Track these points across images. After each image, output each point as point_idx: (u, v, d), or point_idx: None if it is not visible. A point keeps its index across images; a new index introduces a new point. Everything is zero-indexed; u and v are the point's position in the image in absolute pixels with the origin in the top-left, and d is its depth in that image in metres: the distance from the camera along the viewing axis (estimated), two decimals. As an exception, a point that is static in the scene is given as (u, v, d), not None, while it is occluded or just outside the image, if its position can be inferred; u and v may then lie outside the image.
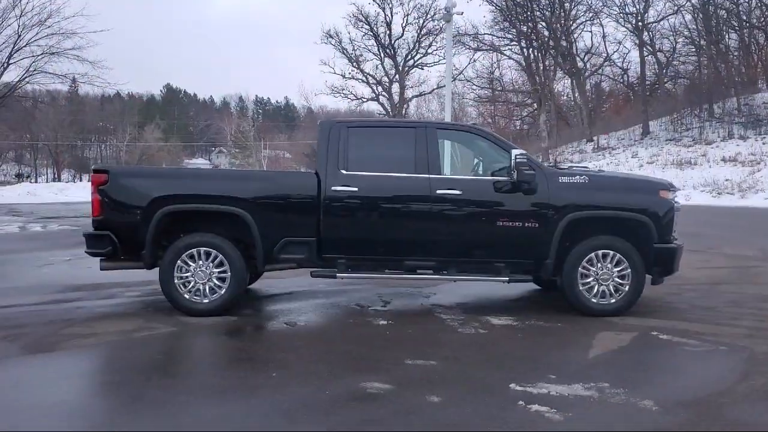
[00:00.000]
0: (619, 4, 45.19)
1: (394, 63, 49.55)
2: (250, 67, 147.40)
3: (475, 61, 53.64)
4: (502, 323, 6.61)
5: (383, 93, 50.54)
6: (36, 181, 65.56)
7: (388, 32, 48.69)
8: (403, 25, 48.20)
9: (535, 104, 48.63)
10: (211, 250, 6.78)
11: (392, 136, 7.39)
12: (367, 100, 50.53)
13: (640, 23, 42.41)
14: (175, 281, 6.76)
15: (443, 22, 21.98)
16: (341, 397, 4.47)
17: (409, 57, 49.18)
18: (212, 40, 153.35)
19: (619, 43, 57.99)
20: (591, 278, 6.90)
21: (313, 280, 8.29)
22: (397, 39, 48.78)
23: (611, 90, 55.88)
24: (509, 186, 6.85)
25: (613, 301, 6.91)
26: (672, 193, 7.15)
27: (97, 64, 35.86)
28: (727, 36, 46.99)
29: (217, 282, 6.79)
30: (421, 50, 48.80)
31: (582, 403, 4.40)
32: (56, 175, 72.58)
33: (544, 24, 43.60)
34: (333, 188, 6.84)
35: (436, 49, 48.35)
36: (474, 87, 52.42)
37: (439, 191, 6.84)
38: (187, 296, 6.78)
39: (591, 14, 43.43)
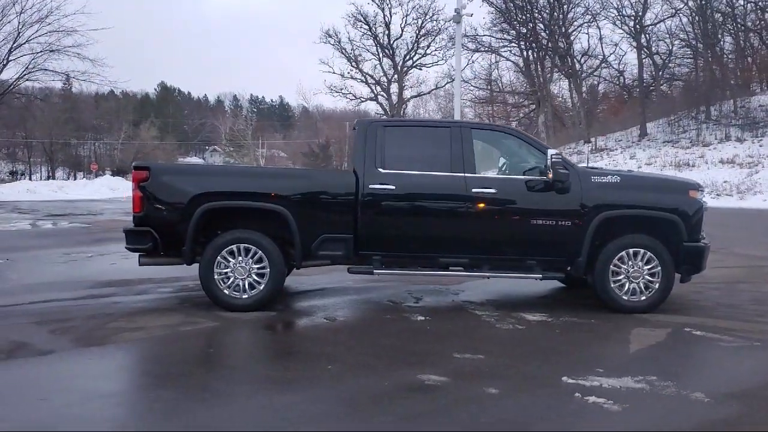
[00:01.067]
0: (616, 7, 45.60)
1: (393, 63, 49.76)
2: (245, 65, 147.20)
3: (473, 62, 53.88)
4: (536, 319, 6.75)
5: (382, 93, 50.75)
6: (30, 179, 65.29)
7: (386, 32, 48.93)
8: (402, 25, 48.51)
9: (531, 105, 48.89)
10: (250, 246, 6.89)
11: (428, 135, 7.52)
12: (366, 99, 50.82)
13: (638, 26, 42.67)
14: (215, 277, 6.87)
15: (453, 23, 21.97)
16: (401, 387, 4.60)
17: (408, 57, 49.38)
18: (206, 39, 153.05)
19: (616, 45, 58.36)
20: (622, 276, 7.04)
21: (340, 276, 8.45)
22: (396, 39, 49.04)
23: (607, 92, 56.16)
24: (544, 185, 6.99)
25: (644, 298, 7.06)
26: (700, 193, 7.31)
27: (98, 62, 35.84)
28: (722, 39, 47.38)
29: (256, 278, 6.91)
30: (420, 51, 48.99)
31: (635, 395, 4.54)
32: (50, 173, 72.31)
33: (542, 26, 43.85)
34: (371, 186, 6.97)
35: (435, 50, 48.70)
36: (471, 88, 52.60)
37: (474, 190, 6.98)
38: (226, 292, 6.89)
39: (589, 16, 43.72)
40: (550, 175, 6.83)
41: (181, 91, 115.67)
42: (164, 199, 6.93)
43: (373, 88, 50.53)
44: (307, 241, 6.97)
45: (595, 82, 53.09)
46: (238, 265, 6.88)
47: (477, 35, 46.87)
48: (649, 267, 7.04)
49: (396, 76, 50.11)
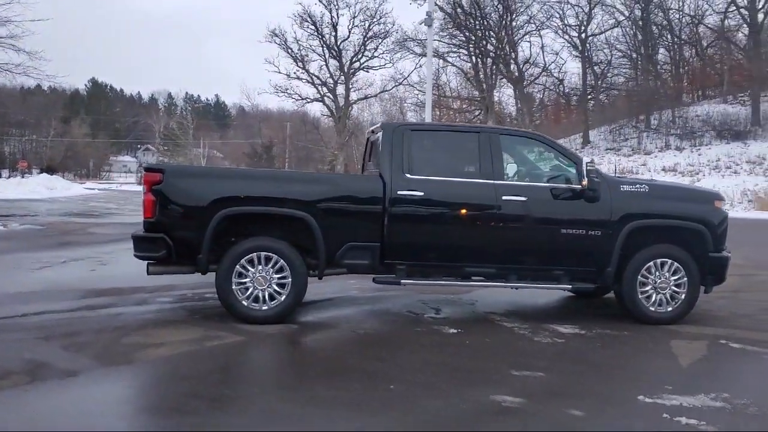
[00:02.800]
0: (559, 16, 46.47)
1: (340, 64, 49.25)
2: (181, 63, 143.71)
3: (420, 66, 53.92)
4: (570, 332, 6.56)
5: (328, 94, 50.17)
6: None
7: (334, 33, 48.37)
8: (350, 27, 47.99)
9: (477, 111, 49.28)
10: (271, 254, 6.49)
11: (455, 140, 7.27)
12: (312, 100, 50.09)
13: (582, 35, 43.60)
14: (233, 287, 6.44)
15: (425, 25, 21.74)
16: (482, 410, 4.32)
17: (355, 59, 48.98)
18: (141, 34, 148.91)
19: (556, 54, 59.48)
20: (649, 286, 6.94)
21: (341, 285, 8.12)
22: (343, 41, 48.52)
23: (545, 100, 57.10)
24: (574, 194, 6.83)
25: (670, 309, 6.98)
26: (723, 203, 7.29)
27: (35, 54, 34.12)
28: (658, 51, 48.92)
29: (276, 288, 6.51)
30: (367, 53, 48.65)
31: (721, 414, 4.38)
32: (-30, 171, 68.87)
33: (492, 33, 44.23)
34: (399, 192, 6.66)
35: (383, 53, 48.32)
36: (416, 92, 52.60)
37: (505, 197, 6.76)
38: (245, 303, 6.47)
39: (536, 24, 44.38)
40: (585, 183, 6.68)
41: (113, 87, 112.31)
42: (180, 203, 6.45)
43: (320, 89, 49.90)
44: (332, 250, 6.61)
45: (536, 90, 53.92)
46: (257, 274, 6.47)
47: (423, 40, 46.89)
48: (675, 278, 6.96)
49: (343, 77, 49.63)
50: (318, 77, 49.84)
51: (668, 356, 5.85)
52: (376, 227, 6.67)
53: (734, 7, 42.52)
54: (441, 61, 47.74)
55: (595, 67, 49.60)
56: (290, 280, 6.51)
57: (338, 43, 49.00)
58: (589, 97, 51.75)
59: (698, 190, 8.08)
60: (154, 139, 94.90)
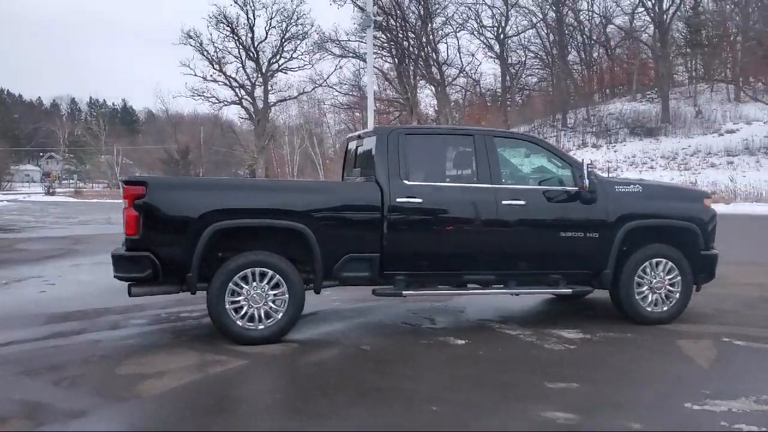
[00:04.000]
0: (475, 18, 47.12)
1: (258, 66, 48.37)
2: (84, 67, 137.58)
3: (341, 67, 53.69)
4: (575, 337, 6.44)
5: (246, 97, 49.17)
6: None
7: (250, 35, 47.49)
8: (267, 28, 47.27)
9: (395, 112, 49.39)
10: (267, 270, 6.08)
11: (450, 143, 7.06)
12: (230, 103, 48.99)
13: (501, 35, 44.38)
14: (227, 306, 6.00)
15: (361, 25, 21.43)
16: (542, 430, 4.10)
17: (273, 61, 48.21)
18: (42, 37, 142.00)
19: (472, 55, 60.39)
20: (645, 287, 6.92)
21: (321, 297, 7.76)
22: (261, 42, 47.72)
23: (465, 100, 57.84)
24: (572, 196, 6.73)
25: (665, 308, 6.97)
26: (711, 201, 7.36)
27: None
28: (570, 51, 50.39)
29: (272, 305, 6.10)
30: (285, 54, 48.00)
31: (774, 418, 4.32)
32: None
33: (412, 33, 44.34)
34: (398, 200, 6.37)
35: (301, 54, 47.77)
36: (336, 93, 52.27)
37: (504, 202, 6.58)
38: (239, 323, 6.04)
39: (455, 26, 44.86)
40: (586, 185, 6.57)
41: (11, 92, 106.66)
42: (166, 218, 5.96)
43: (237, 91, 48.89)
44: (330, 263, 6.26)
45: (455, 91, 54.52)
46: (252, 292, 6.04)
47: (340, 40, 46.69)
48: (670, 277, 6.96)
49: (261, 79, 48.76)
50: (235, 79, 48.89)
51: (684, 358, 5.79)
52: (375, 237, 6.36)
53: (642, 9, 44.26)
54: (361, 62, 47.45)
55: (511, 68, 50.65)
56: (287, 296, 6.13)
57: (255, 45, 48.22)
58: (507, 97, 52.80)
59: (688, 189, 8.18)
60: (58, 146, 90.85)
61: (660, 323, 6.90)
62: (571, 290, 6.82)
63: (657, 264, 6.93)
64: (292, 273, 6.14)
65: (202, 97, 47.43)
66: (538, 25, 46.29)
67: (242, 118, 53.40)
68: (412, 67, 45.89)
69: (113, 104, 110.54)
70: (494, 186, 6.61)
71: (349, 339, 6.39)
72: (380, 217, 6.34)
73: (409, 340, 6.36)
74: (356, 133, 7.62)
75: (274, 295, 6.10)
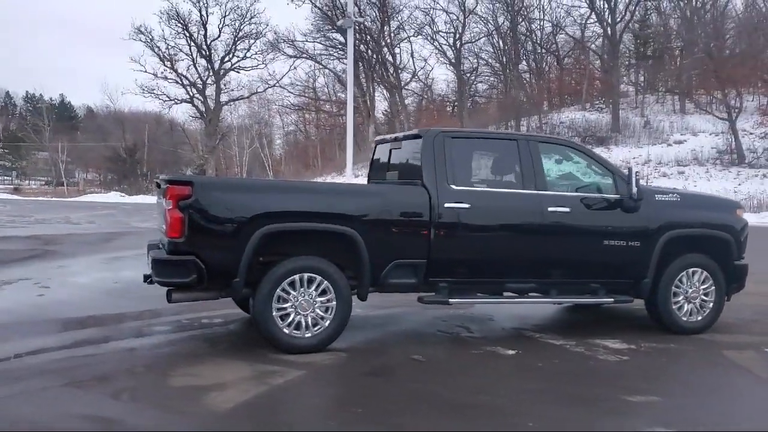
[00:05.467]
0: (429, 24, 47.25)
1: (210, 65, 47.44)
2: (21, 60, 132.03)
3: (295, 68, 53.19)
4: (622, 347, 6.35)
5: (197, 95, 48.14)
6: None
7: (203, 32, 46.52)
8: (220, 26, 46.37)
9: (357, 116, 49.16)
10: (315, 276, 5.82)
11: (495, 148, 6.92)
12: (180, 101, 47.87)
13: (457, 42, 44.69)
14: (274, 314, 5.72)
15: (344, 27, 21.11)
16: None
17: (226, 60, 47.36)
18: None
19: (425, 60, 60.60)
20: (681, 296, 6.91)
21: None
22: (213, 40, 46.79)
23: (417, 105, 58.00)
24: (615, 204, 6.67)
25: (700, 318, 6.97)
26: (743, 211, 7.41)
27: None
28: (522, 59, 51.07)
29: (320, 313, 5.85)
30: (239, 53, 47.19)
31: None
32: None
33: (370, 36, 44.20)
34: (446, 205, 6.19)
35: (254, 54, 47.05)
36: (287, 94, 51.72)
37: (550, 208, 6.47)
38: (286, 331, 5.76)
39: (414, 30, 44.92)
40: (634, 193, 6.51)
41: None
42: (215, 220, 5.63)
43: (188, 89, 47.78)
44: (377, 269, 6.04)
45: (408, 95, 54.63)
46: (300, 298, 5.77)
47: (295, 40, 46.24)
48: (704, 287, 6.97)
49: (213, 78, 47.81)
50: (186, 77, 47.81)
51: (742, 370, 5.78)
52: (422, 243, 6.16)
53: (594, 20, 45.17)
54: (317, 63, 47.13)
55: (465, 75, 51.01)
56: (335, 303, 5.88)
57: (208, 43, 47.26)
58: (456, 104, 53.13)
59: (722, 198, 8.23)
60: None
61: (694, 333, 6.90)
62: (613, 299, 6.75)
63: (693, 273, 6.93)
64: (341, 279, 5.90)
65: (153, 95, 46.22)
66: (492, 33, 46.65)
67: (192, 116, 52.27)
68: (364, 71, 45.72)
69: (51, 99, 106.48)
70: (540, 192, 6.49)
71: (394, 348, 6.17)
72: (428, 223, 6.15)
73: (457, 350, 6.18)
74: (390, 136, 7.40)
75: (322, 302, 5.85)
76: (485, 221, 6.38)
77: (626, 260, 6.74)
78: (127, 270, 10.74)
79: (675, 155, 37.79)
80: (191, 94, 48.23)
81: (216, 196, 5.69)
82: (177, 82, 47.24)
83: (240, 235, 5.62)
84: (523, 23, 48.42)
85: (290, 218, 5.80)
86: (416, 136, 6.59)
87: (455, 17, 45.03)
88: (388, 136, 7.46)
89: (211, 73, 48.37)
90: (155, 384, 4.94)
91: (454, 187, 6.27)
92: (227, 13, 46.03)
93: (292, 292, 5.76)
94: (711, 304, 6.99)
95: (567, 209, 6.53)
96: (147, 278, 6.34)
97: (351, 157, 22.46)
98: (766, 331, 7.25)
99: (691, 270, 6.93)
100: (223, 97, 49.37)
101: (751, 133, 38.02)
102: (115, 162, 53.41)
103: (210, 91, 48.61)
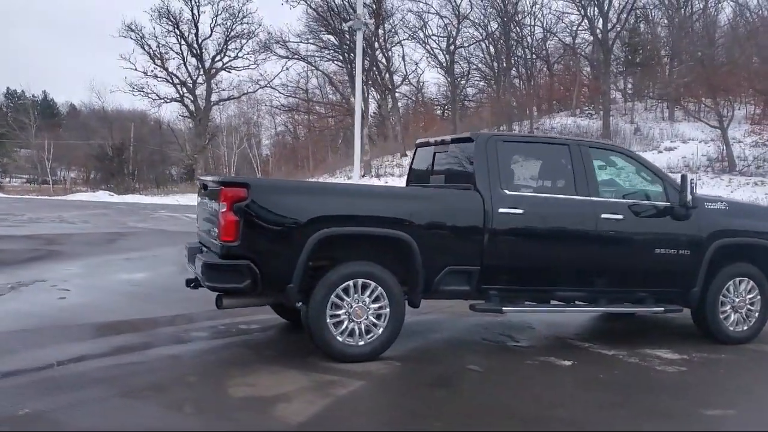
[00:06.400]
0: (421, 27, 47.09)
1: (201, 64, 46.98)
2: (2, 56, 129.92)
3: (288, 69, 52.86)
4: (674, 357, 6.22)
5: (187, 95, 47.66)
6: None
7: (194, 31, 46.05)
8: (212, 25, 45.90)
9: (341, 117, 48.95)
10: (369, 281, 5.64)
11: (547, 152, 6.77)
12: (170, 100, 47.33)
13: (452, 47, 44.64)
14: (328, 320, 5.52)
15: (354, 28, 20.90)
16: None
17: (218, 59, 46.93)
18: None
19: (416, 63, 60.46)
20: (728, 306, 6.80)
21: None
22: (205, 39, 46.31)
23: (408, 108, 57.92)
24: (667, 211, 6.55)
25: (746, 328, 6.87)
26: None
27: None
28: (514, 64, 51.17)
29: (373, 320, 5.66)
30: (230, 53, 46.76)
31: None
32: None
33: (363, 39, 43.84)
34: (500, 210, 6.03)
35: (246, 54, 46.62)
36: (278, 95, 51.24)
37: (603, 216, 6.33)
38: (340, 338, 5.57)
39: (408, 33, 44.76)
40: (689, 200, 6.39)
41: None
42: (271, 224, 5.43)
43: (179, 88, 47.27)
44: (431, 275, 5.87)
45: (399, 97, 54.47)
46: (355, 305, 5.59)
47: (288, 41, 45.82)
48: (750, 296, 6.87)
49: (204, 77, 47.32)
50: (177, 76, 47.30)
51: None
52: (476, 249, 5.99)
53: (585, 26, 45.36)
54: (309, 64, 46.77)
55: (456, 79, 50.96)
56: (388, 310, 5.70)
57: (199, 42, 46.79)
58: (446, 107, 53.08)
59: (765, 207, 8.12)
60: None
61: (740, 342, 6.80)
62: (663, 309, 6.63)
63: (740, 283, 6.84)
64: (394, 285, 5.72)
65: (142, 93, 45.62)
66: (486, 38, 46.68)
67: (182, 116, 51.73)
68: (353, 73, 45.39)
69: (33, 96, 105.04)
70: (593, 199, 6.36)
71: (445, 357, 6.02)
72: (482, 228, 5.99)
73: (510, 360, 6.02)
74: (436, 139, 7.21)
75: (375, 309, 5.67)
76: (539, 227, 6.23)
77: (676, 269, 6.62)
78: (140, 272, 10.53)
79: (666, 162, 37.88)
80: (181, 93, 47.73)
81: (272, 199, 5.48)
82: (167, 81, 46.71)
83: (296, 239, 5.42)
84: (515, 29, 48.49)
85: (347, 222, 5.62)
86: (467, 140, 6.42)
87: (449, 21, 44.90)
88: (431, 139, 7.28)
89: (201, 72, 47.90)
90: (215, 394, 4.73)
91: (507, 192, 6.12)
92: (219, 12, 45.56)
93: (346, 298, 5.58)
94: (756, 314, 6.90)
95: (620, 216, 6.40)
96: (190, 283, 6.14)
97: (359, 157, 22.27)
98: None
99: (738, 279, 6.83)
100: (214, 97, 48.89)
101: (740, 142, 38.41)
102: (102, 160, 52.61)
103: (200, 90, 48.12)
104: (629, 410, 4.72)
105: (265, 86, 46.59)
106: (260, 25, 46.15)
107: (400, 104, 54.50)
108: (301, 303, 5.60)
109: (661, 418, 4.57)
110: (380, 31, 43.20)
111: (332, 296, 5.53)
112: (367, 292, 5.63)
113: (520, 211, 6.10)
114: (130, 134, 60.31)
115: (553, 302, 6.60)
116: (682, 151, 39.41)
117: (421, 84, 53.94)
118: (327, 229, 5.48)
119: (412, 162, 7.54)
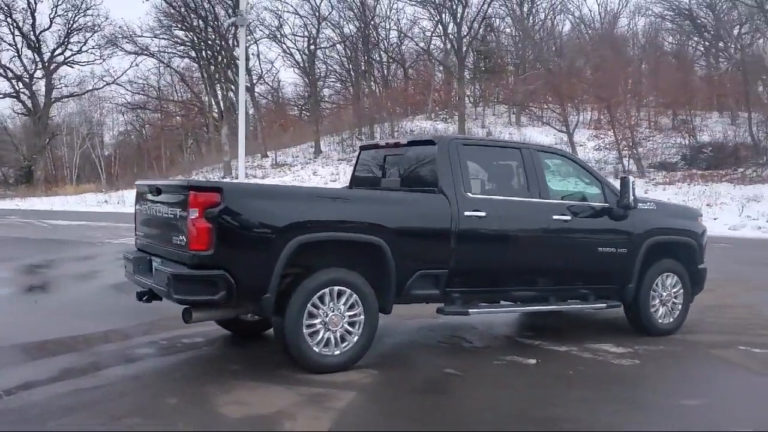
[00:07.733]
0: (278, 27, 46.56)
1: (40, 57, 43.68)
2: None
3: (137, 65, 50.24)
4: (622, 351, 6.45)
5: (24, 90, 44.13)
6: None
7: (31, 21, 42.74)
8: (52, 16, 42.83)
9: (192, 115, 47.41)
10: (344, 289, 5.46)
11: (500, 156, 6.85)
12: (5, 96, 43.61)
13: (313, 47, 44.42)
14: (304, 330, 5.29)
15: (237, 25, 20.00)
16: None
17: (59, 53, 43.84)
18: None
19: (272, 63, 59.60)
20: (657, 300, 7.23)
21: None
22: (43, 31, 43.12)
23: (264, 108, 57.02)
24: (607, 212, 6.86)
25: (671, 320, 7.34)
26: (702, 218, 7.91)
27: None
28: (373, 68, 51.85)
29: (348, 327, 5.49)
30: (73, 47, 43.86)
31: None
32: None
33: (217, 35, 42.58)
34: (465, 213, 6.05)
35: (91, 48, 43.95)
36: (123, 92, 48.75)
37: (554, 217, 6.53)
38: (316, 349, 5.35)
39: (267, 32, 44.01)
40: (631, 201, 6.72)
41: None
42: (247, 230, 5.12)
43: (14, 83, 43.65)
44: (403, 280, 5.78)
45: (257, 97, 53.51)
46: (330, 313, 5.39)
47: (134, 36, 43.73)
48: (675, 290, 7.34)
49: (43, 71, 44.02)
50: (11, 69, 43.70)
51: (741, 367, 6.15)
52: (444, 252, 5.98)
53: (439, 32, 46.77)
54: (159, 61, 44.84)
55: (315, 80, 50.81)
56: (363, 317, 5.55)
57: (37, 33, 43.49)
58: (305, 108, 52.83)
59: (688, 207, 8.69)
60: None
61: (668, 334, 7.23)
62: (605, 305, 6.93)
63: (667, 278, 7.29)
64: (369, 292, 5.58)
65: (-30, 88, 41.73)
66: (345, 40, 46.91)
67: (17, 112, 47.85)
68: (212, 69, 44.10)
69: None
70: (546, 201, 6.54)
71: (417, 362, 6.01)
72: (449, 231, 5.98)
73: (479, 362, 6.07)
74: (388, 141, 7.13)
75: (350, 316, 5.50)
76: (500, 229, 6.32)
77: (617, 266, 6.95)
78: (35, 285, 9.61)
79: (518, 164, 40.01)
80: (17, 88, 44.15)
81: (247, 204, 5.17)
82: (2, 75, 43.05)
83: (273, 246, 5.14)
84: (372, 33, 49.07)
85: (322, 228, 5.40)
86: (429, 143, 6.40)
87: (309, 22, 44.63)
88: (380, 142, 7.20)
89: (40, 66, 44.57)
90: (210, 417, 4.39)
91: (470, 195, 6.15)
92: (60, 2, 42.61)
93: (321, 306, 5.37)
94: (680, 306, 7.38)
95: (568, 217, 6.62)
96: (143, 296, 5.68)
97: (243, 157, 21.51)
98: (724, 330, 7.71)
99: (665, 274, 7.28)
100: (55, 93, 45.62)
101: (581, 145, 41.20)
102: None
103: (39, 86, 44.74)
104: (617, 404, 4.95)
105: (112, 83, 44.13)
106: (107, 18, 43.76)
107: (264, 104, 53.61)
108: (274, 314, 5.31)
109: (647, 410, 4.80)
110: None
111: (308, 305, 5.30)
112: (342, 300, 5.45)
113: (483, 213, 6.15)
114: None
115: (502, 302, 6.74)
116: (531, 154, 41.52)
117: (278, 83, 53.31)
118: (305, 235, 5.25)
119: (356, 164, 7.39)
